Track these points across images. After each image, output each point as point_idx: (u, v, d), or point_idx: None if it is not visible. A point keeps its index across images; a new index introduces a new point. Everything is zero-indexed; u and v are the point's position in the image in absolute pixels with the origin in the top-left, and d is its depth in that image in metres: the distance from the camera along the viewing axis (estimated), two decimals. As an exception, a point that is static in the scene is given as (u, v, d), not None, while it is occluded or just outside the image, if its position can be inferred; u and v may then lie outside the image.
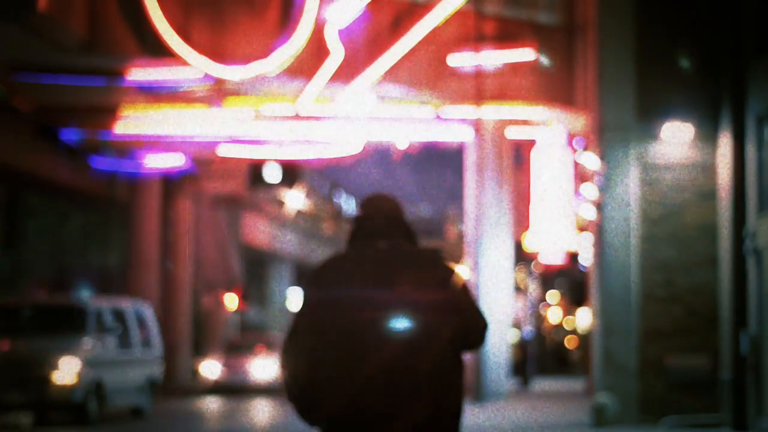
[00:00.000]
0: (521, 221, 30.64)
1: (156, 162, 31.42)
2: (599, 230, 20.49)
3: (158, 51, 23.62)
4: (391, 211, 4.88)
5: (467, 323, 4.75)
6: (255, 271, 50.77)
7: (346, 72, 24.57)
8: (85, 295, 28.89)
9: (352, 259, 4.75)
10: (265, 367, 32.12)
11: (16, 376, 19.00)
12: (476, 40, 25.28)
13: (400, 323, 4.59)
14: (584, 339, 40.21)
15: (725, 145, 18.97)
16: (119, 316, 21.17)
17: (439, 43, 25.40)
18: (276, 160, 31.86)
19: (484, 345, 4.95)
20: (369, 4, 24.54)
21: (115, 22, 23.75)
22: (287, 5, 24.35)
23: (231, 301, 39.99)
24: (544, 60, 25.87)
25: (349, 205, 64.29)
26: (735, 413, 17.41)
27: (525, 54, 25.76)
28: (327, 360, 4.58)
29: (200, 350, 40.02)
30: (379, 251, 4.75)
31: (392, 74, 25.07)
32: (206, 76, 24.48)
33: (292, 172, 33.64)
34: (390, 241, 4.80)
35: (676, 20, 19.98)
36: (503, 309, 26.40)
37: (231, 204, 42.43)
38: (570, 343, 51.88)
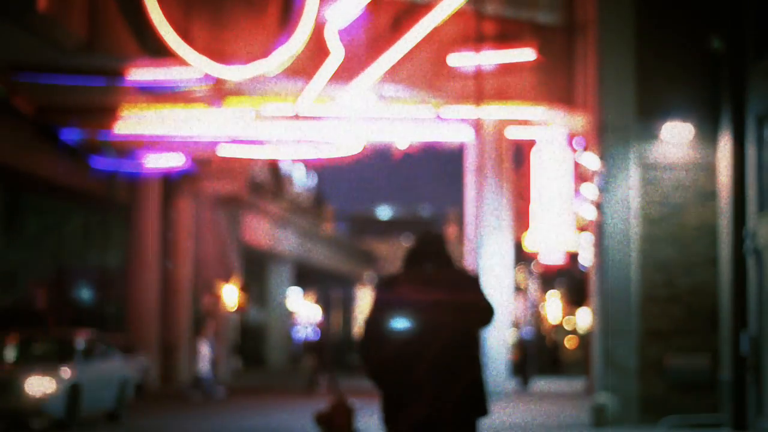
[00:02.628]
0: (521, 221, 30.65)
1: (156, 162, 31.42)
2: (599, 230, 20.48)
3: (158, 51, 23.62)
4: (436, 244, 6.99)
5: (478, 306, 6.83)
6: (255, 271, 50.76)
7: (346, 72, 24.57)
8: None
9: (407, 276, 6.91)
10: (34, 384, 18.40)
11: None
12: (476, 40, 25.27)
13: (436, 322, 6.73)
14: (584, 339, 40.22)
15: (725, 145, 18.97)
16: None
17: (439, 43, 25.40)
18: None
19: (491, 324, 6.94)
20: (369, 4, 24.53)
21: (115, 22, 23.75)
22: (287, 5, 24.34)
23: (230, 294, 39.91)
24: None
25: (300, 174, 59.91)
26: (735, 413, 17.41)
27: (525, 54, 25.76)
28: (388, 343, 6.76)
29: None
30: (425, 272, 6.89)
31: (392, 74, 25.06)
32: (206, 76, 24.48)
33: None
34: (433, 264, 6.91)
35: (676, 20, 19.99)
36: (503, 309, 26.40)
37: (231, 204, 42.43)
38: (570, 342, 51.88)
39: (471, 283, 6.91)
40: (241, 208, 44.03)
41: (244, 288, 40.54)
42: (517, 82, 26.08)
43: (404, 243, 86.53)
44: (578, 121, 25.81)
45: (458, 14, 24.83)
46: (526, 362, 34.16)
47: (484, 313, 6.86)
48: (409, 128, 27.60)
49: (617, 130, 19.94)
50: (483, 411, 6.81)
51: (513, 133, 27.65)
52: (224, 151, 30.60)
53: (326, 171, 60.65)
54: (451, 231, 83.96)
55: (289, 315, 57.38)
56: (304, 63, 24.42)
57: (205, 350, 28.57)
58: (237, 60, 24.05)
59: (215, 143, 29.88)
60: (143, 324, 33.82)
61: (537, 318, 46.90)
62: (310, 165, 54.32)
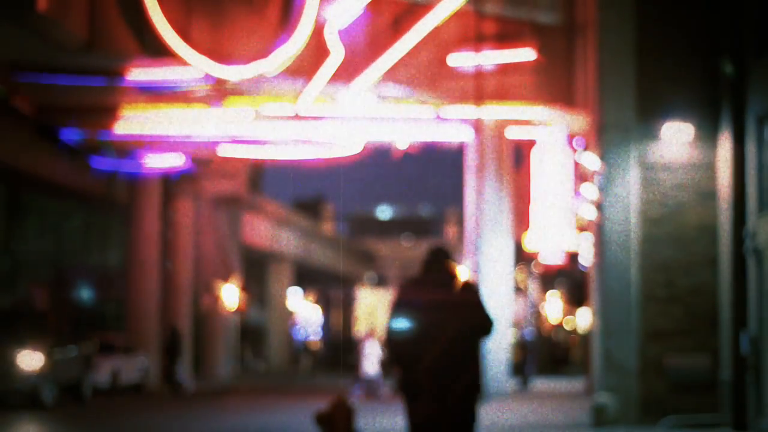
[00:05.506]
0: (521, 221, 30.64)
1: (156, 162, 31.42)
2: (599, 230, 20.49)
3: (158, 51, 23.62)
4: (442, 255, 8.56)
5: (479, 321, 8.38)
6: (255, 271, 50.77)
7: (346, 72, 24.58)
8: None
9: (419, 280, 8.57)
10: None
11: None
12: (476, 40, 25.28)
13: (442, 316, 8.29)
14: (584, 339, 40.22)
15: (725, 145, 18.98)
16: None
17: (439, 43, 25.41)
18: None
19: (491, 335, 8.49)
20: (369, 4, 24.54)
21: (115, 22, 23.74)
22: (287, 5, 24.34)
23: (230, 293, 39.86)
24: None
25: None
26: (735, 413, 17.40)
27: (525, 54, 25.76)
28: (405, 335, 8.38)
29: (200, 350, 40.03)
30: (432, 278, 8.49)
31: (392, 74, 25.07)
32: (206, 76, 24.48)
33: None
34: (440, 271, 8.49)
35: (676, 20, 19.99)
36: (503, 309, 26.40)
37: (231, 204, 42.44)
38: (567, 342, 51.87)
39: (473, 292, 8.46)
40: (241, 208, 44.04)
41: (244, 288, 40.52)
42: (517, 82, 26.08)
43: (404, 243, 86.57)
44: (578, 121, 25.81)
45: (458, 14, 24.83)
46: (526, 362, 34.17)
47: (485, 325, 8.40)
48: (409, 128, 27.61)
49: (617, 130, 19.94)
50: (479, 389, 8.60)
51: (513, 133, 27.65)
52: (224, 151, 30.60)
53: (326, 171, 60.71)
54: (451, 231, 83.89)
55: (289, 315, 57.38)
56: (304, 63, 24.43)
57: (373, 350, 28.46)
58: (237, 60, 24.05)
59: (215, 143, 29.89)
60: (143, 324, 33.81)
61: (537, 318, 46.90)
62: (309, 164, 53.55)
